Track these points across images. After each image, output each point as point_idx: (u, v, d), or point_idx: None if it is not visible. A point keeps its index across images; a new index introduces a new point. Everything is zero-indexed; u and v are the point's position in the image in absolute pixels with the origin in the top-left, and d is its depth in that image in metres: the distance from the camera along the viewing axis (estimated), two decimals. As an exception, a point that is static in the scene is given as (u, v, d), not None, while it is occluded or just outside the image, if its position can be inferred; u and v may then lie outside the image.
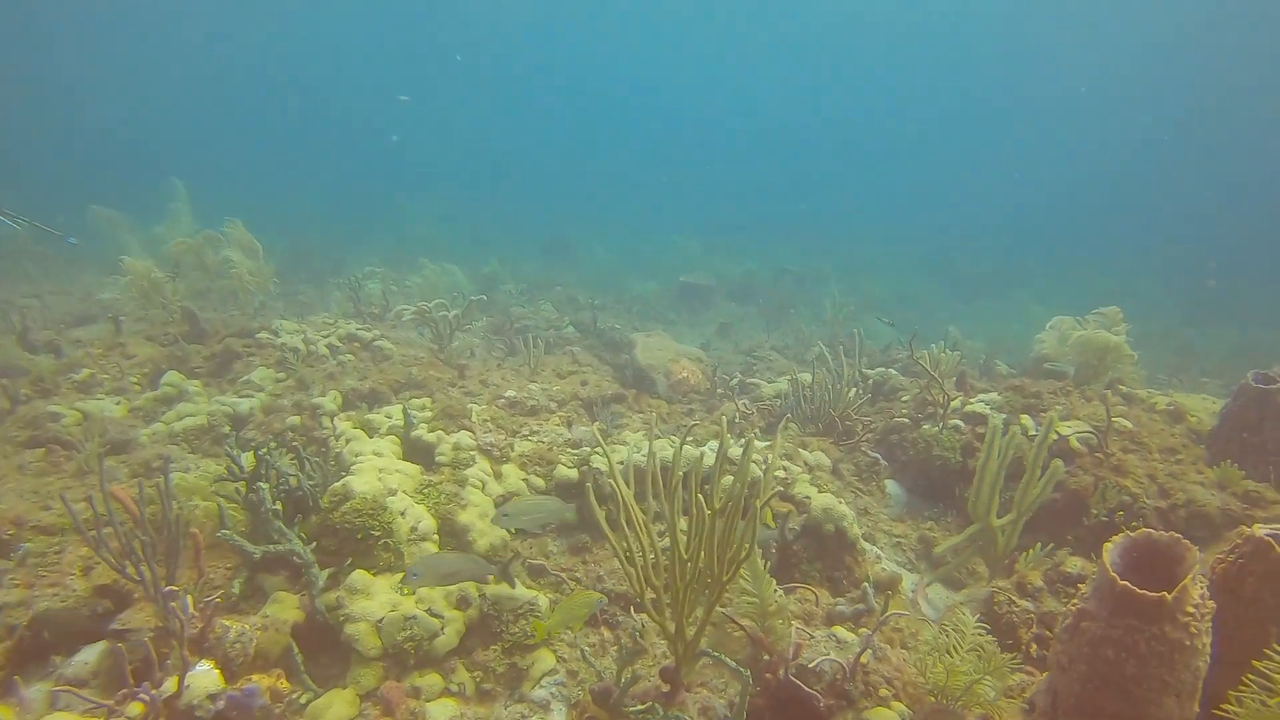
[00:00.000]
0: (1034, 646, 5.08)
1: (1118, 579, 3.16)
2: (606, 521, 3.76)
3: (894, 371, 9.81)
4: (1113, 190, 51.87)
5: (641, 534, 3.65)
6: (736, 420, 7.62)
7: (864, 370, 9.76)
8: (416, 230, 24.01)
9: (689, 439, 6.39)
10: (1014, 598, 5.32)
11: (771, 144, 66.98)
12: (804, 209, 38.59)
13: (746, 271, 19.80)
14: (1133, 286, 24.06)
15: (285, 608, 4.05)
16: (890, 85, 65.75)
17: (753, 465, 5.33)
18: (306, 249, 19.96)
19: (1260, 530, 4.06)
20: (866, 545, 5.86)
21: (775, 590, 4.35)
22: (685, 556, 3.60)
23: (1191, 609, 3.26)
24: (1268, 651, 3.18)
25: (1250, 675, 3.05)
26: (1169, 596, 3.03)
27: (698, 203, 35.86)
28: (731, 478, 4.78)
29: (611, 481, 4.04)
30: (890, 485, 7.24)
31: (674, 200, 36.80)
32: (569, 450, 6.11)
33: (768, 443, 6.35)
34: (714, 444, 6.15)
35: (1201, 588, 3.34)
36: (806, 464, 6.31)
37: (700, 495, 3.46)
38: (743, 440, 6.17)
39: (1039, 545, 5.68)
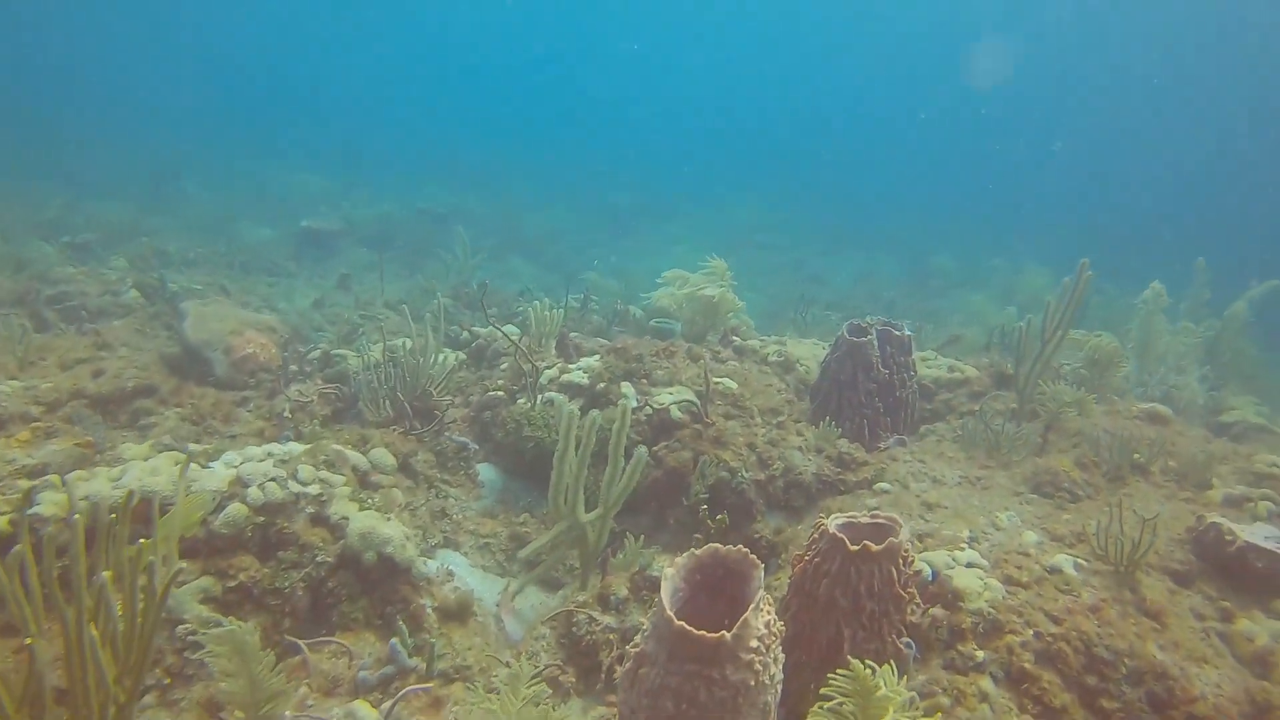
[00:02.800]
0: (617, 670, 4.31)
1: (674, 618, 2.64)
2: None
3: (512, 330, 8.79)
4: (770, 124, 55.08)
5: None
6: (286, 415, 6.10)
7: (474, 330, 8.63)
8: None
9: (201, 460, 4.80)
10: (595, 614, 4.50)
11: (406, 63, 62.41)
12: (455, 141, 36.22)
13: (382, 214, 17.88)
14: (782, 219, 25.42)
15: None
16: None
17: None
18: None
19: (832, 525, 3.59)
20: (432, 564, 4.74)
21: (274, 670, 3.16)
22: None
23: (755, 642, 2.74)
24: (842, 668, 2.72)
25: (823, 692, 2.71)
26: (728, 636, 2.60)
27: (333, 135, 32.25)
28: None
29: None
30: (484, 471, 6.20)
31: (301, 132, 32.82)
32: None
33: (309, 446, 4.97)
34: (233, 455, 4.65)
35: (768, 613, 2.89)
36: (356, 469, 5.02)
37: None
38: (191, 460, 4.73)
39: (632, 539, 4.93)
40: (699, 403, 5.80)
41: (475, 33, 66.51)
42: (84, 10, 51.47)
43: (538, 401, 6.16)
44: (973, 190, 36.00)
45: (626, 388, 6.09)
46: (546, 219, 22.47)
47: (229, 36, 56.93)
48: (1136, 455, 5.53)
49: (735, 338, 7.72)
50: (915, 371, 6.53)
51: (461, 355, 7.84)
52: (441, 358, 6.94)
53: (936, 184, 36.58)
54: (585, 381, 6.18)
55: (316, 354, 7.95)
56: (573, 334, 8.39)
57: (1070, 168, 41.63)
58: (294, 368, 7.50)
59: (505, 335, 6.79)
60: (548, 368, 6.55)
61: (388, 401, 6.18)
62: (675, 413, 5.74)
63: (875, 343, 6.20)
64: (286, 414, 6.03)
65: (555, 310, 7.27)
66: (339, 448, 5.01)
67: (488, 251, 17.39)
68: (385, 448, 5.47)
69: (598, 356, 6.54)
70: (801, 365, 7.49)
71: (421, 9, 65.13)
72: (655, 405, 5.83)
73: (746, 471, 5.36)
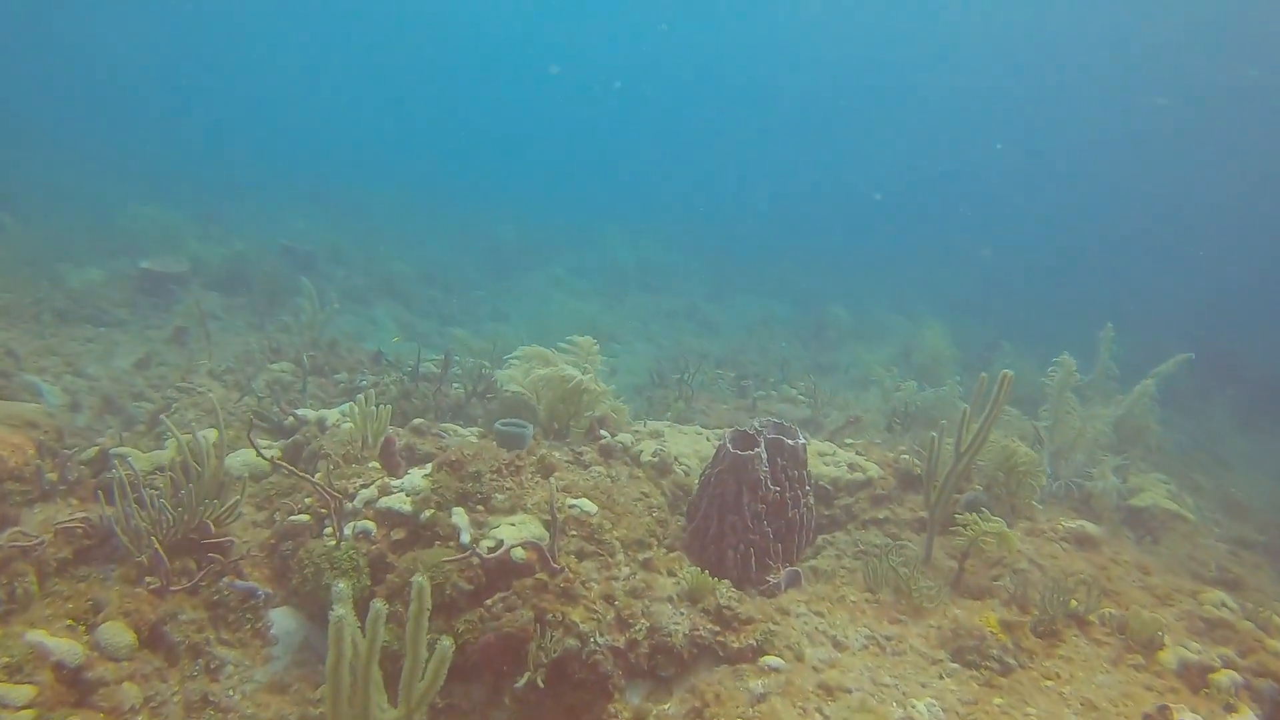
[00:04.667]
0: None
1: None
2: None
3: (348, 410, 7.47)
4: (659, 161, 54.70)
5: None
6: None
7: (298, 413, 7.28)
8: None
9: None
10: None
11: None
12: (326, 171, 34.08)
13: (236, 252, 16.15)
14: (671, 261, 24.56)
15: None
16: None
17: None
18: None
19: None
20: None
21: None
22: None
23: None
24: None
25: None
26: None
27: (188, 161, 29.76)
28: None
29: None
30: (280, 620, 4.90)
31: (152, 156, 30.16)
32: None
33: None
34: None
35: None
36: (61, 667, 3.67)
37: None
38: None
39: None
40: (547, 537, 4.68)
41: (351, 55, 64.25)
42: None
43: (347, 535, 4.90)
44: (867, 235, 36.18)
45: (459, 515, 4.91)
46: (422, 256, 21.03)
47: (84, 39, 53.06)
48: (1073, 602, 4.68)
49: (604, 432, 6.62)
50: (810, 486, 5.56)
51: (275, 452, 6.49)
52: (239, 459, 5.61)
53: (829, 228, 36.67)
54: (408, 509, 4.96)
55: (91, 454, 6.45)
56: (417, 421, 7.16)
57: (978, 212, 42.39)
58: (52, 476, 5.99)
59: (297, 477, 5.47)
60: (365, 486, 5.30)
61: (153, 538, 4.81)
62: (518, 553, 4.58)
63: (764, 456, 5.20)
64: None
65: (382, 407, 6.01)
66: (37, 638, 3.66)
67: (355, 295, 15.97)
68: (124, 618, 4.13)
69: (428, 471, 5.32)
70: (681, 465, 6.45)
71: (294, 29, 62.40)
72: (490, 543, 4.67)
73: (601, 636, 4.25)
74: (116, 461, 6.31)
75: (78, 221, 19.99)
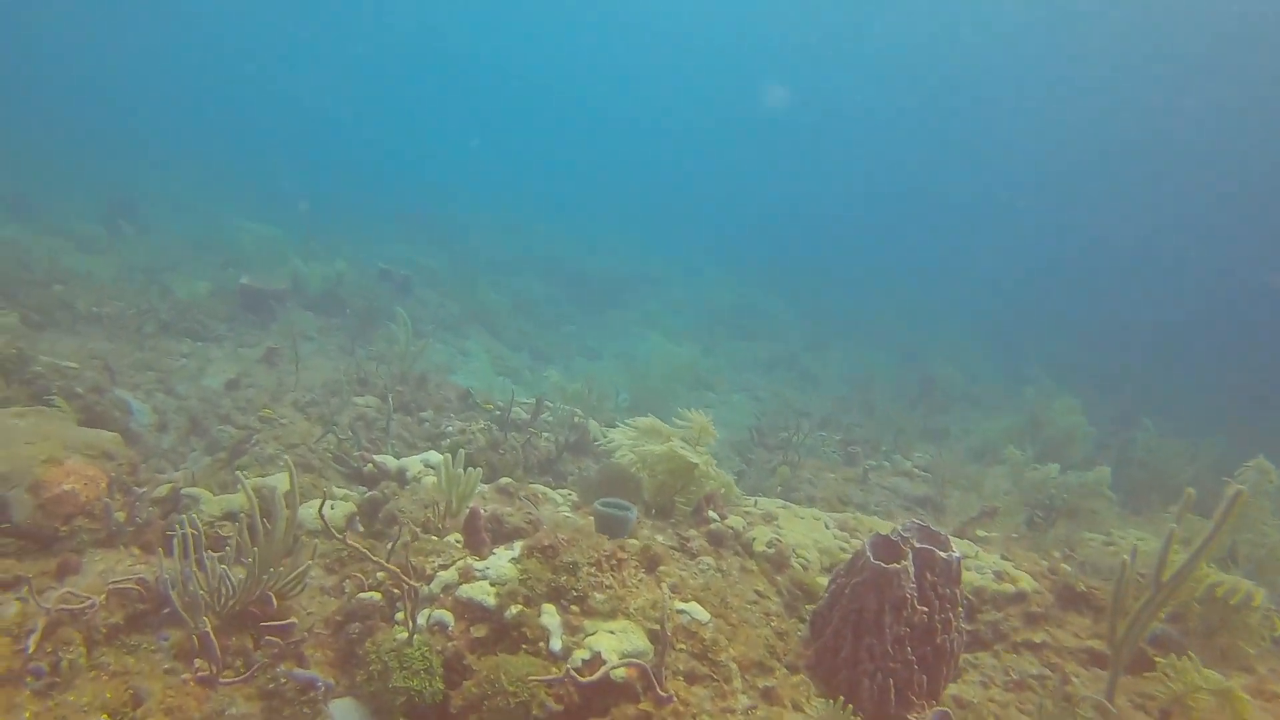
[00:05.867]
0: None
1: None
2: None
3: (432, 460, 6.96)
4: (760, 197, 53.97)
5: None
6: (33, 638, 4.17)
7: (379, 461, 6.80)
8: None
9: None
10: None
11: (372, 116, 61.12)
12: (427, 194, 34.47)
13: (335, 273, 16.12)
14: (767, 302, 23.75)
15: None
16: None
17: None
18: None
19: None
20: None
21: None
22: None
23: None
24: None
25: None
26: None
27: (298, 181, 30.44)
28: None
29: None
30: (341, 715, 4.32)
31: (265, 174, 30.97)
32: None
33: None
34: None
35: None
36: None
37: None
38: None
39: None
40: (653, 653, 4.00)
41: (459, 90, 65.83)
42: (56, 22, 50.20)
43: (421, 625, 4.31)
44: (980, 289, 34.35)
45: (550, 616, 4.26)
46: (515, 285, 20.76)
47: (207, 61, 55.74)
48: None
49: (713, 513, 5.91)
50: (963, 606, 4.72)
51: (350, 506, 5.99)
52: (311, 511, 5.10)
53: (933, 280, 35.04)
54: (492, 602, 4.34)
55: (163, 492, 6.06)
56: (505, 481, 6.58)
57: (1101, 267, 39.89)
58: (120, 516, 5.61)
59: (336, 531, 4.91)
60: (444, 566, 4.71)
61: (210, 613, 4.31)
62: (618, 674, 3.90)
63: (911, 570, 4.40)
64: (32, 639, 4.11)
65: (470, 472, 5.43)
66: None
67: (447, 323, 15.71)
68: (165, 716, 3.60)
69: (516, 555, 4.70)
70: (799, 558, 5.67)
71: (405, 59, 64.35)
72: (585, 654, 4.01)
73: (709, 793, 3.52)
74: (185, 504, 5.93)
75: (192, 233, 20.49)
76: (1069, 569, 5.78)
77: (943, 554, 4.53)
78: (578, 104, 66.84)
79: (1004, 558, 5.94)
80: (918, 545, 4.55)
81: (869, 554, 4.50)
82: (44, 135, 31.02)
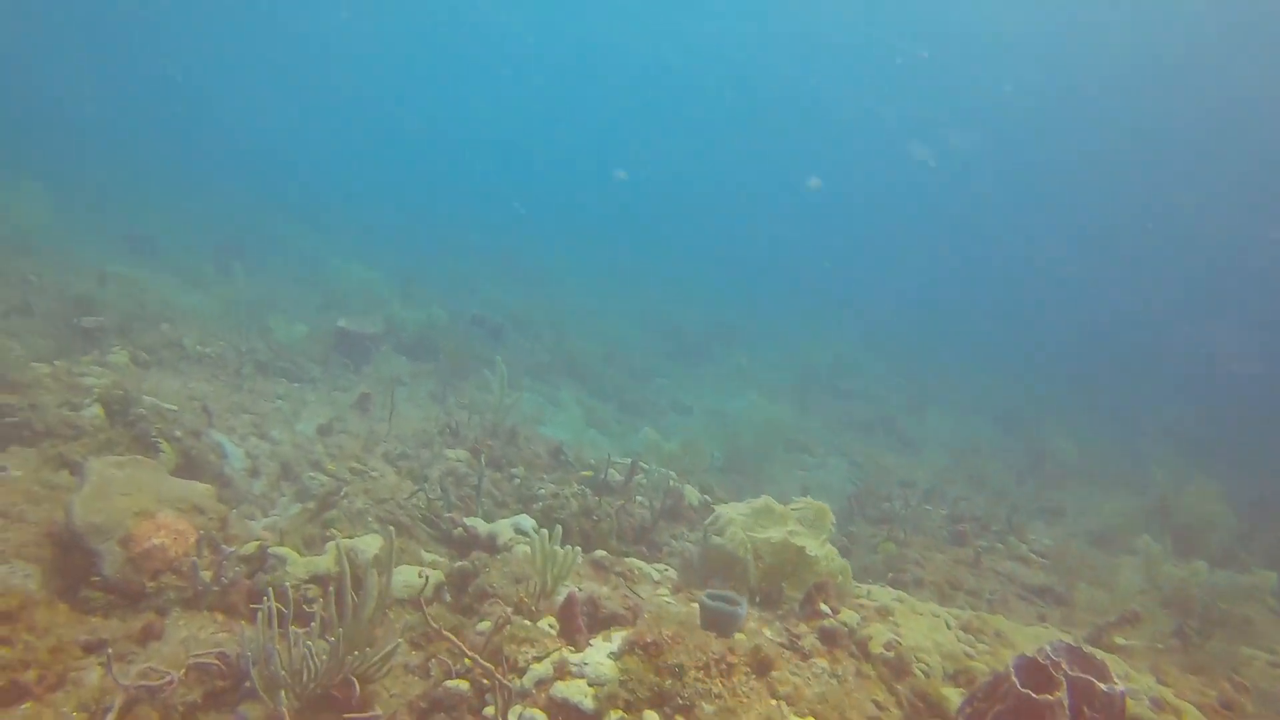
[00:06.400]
0: None
1: None
2: None
3: (523, 525, 6.65)
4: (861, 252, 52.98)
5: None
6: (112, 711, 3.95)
7: (469, 525, 6.52)
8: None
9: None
10: None
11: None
12: (524, 241, 34.86)
13: (429, 318, 16.22)
14: (865, 360, 23.03)
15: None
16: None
17: None
18: None
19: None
20: None
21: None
22: None
23: None
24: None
25: None
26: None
27: (398, 226, 31.18)
28: None
29: None
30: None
31: (368, 217, 31.81)
32: None
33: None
34: None
35: None
36: None
37: None
38: None
39: None
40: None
41: (557, 135, 67.19)
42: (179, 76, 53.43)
43: (512, 728, 3.93)
44: (1084, 348, 32.66)
45: (652, 723, 3.83)
46: (607, 334, 20.61)
47: (320, 105, 58.30)
48: None
49: (825, 606, 5.40)
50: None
51: (439, 575, 5.70)
52: (400, 579, 4.80)
53: (1038, 336, 33.47)
54: (589, 705, 3.94)
55: (250, 550, 5.88)
56: (600, 554, 6.21)
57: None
58: (207, 575, 5.43)
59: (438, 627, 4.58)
60: (538, 659, 4.34)
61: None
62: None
63: (1066, 704, 3.82)
64: (113, 710, 3.89)
65: (567, 551, 5.07)
66: None
67: (538, 372, 15.56)
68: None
69: (616, 649, 4.29)
70: (920, 664, 5.11)
71: (507, 111, 66.15)
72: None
73: None
74: (272, 564, 5.72)
75: (296, 272, 21.06)
76: (1249, 706, 5.02)
77: (1104, 686, 3.94)
78: (679, 156, 67.38)
79: (1159, 681, 5.23)
80: (1074, 674, 3.97)
81: (1014, 677, 3.94)
82: (167, 176, 32.74)
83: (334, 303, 18.25)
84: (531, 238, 35.80)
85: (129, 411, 8.44)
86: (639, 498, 8.63)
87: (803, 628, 5.20)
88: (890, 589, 6.49)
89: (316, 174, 43.91)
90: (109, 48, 51.59)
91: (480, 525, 6.54)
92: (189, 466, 8.30)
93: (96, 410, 8.56)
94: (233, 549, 5.70)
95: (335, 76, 62.50)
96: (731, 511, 6.03)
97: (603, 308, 23.62)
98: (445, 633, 4.05)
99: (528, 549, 6.16)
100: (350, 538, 6.31)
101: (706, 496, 9.27)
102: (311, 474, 9.02)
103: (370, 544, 6.02)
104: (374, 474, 8.37)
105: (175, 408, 8.94)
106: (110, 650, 4.63)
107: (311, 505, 8.00)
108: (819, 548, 5.43)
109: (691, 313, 24.65)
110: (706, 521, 6.47)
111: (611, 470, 9.08)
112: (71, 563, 5.50)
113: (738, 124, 66.01)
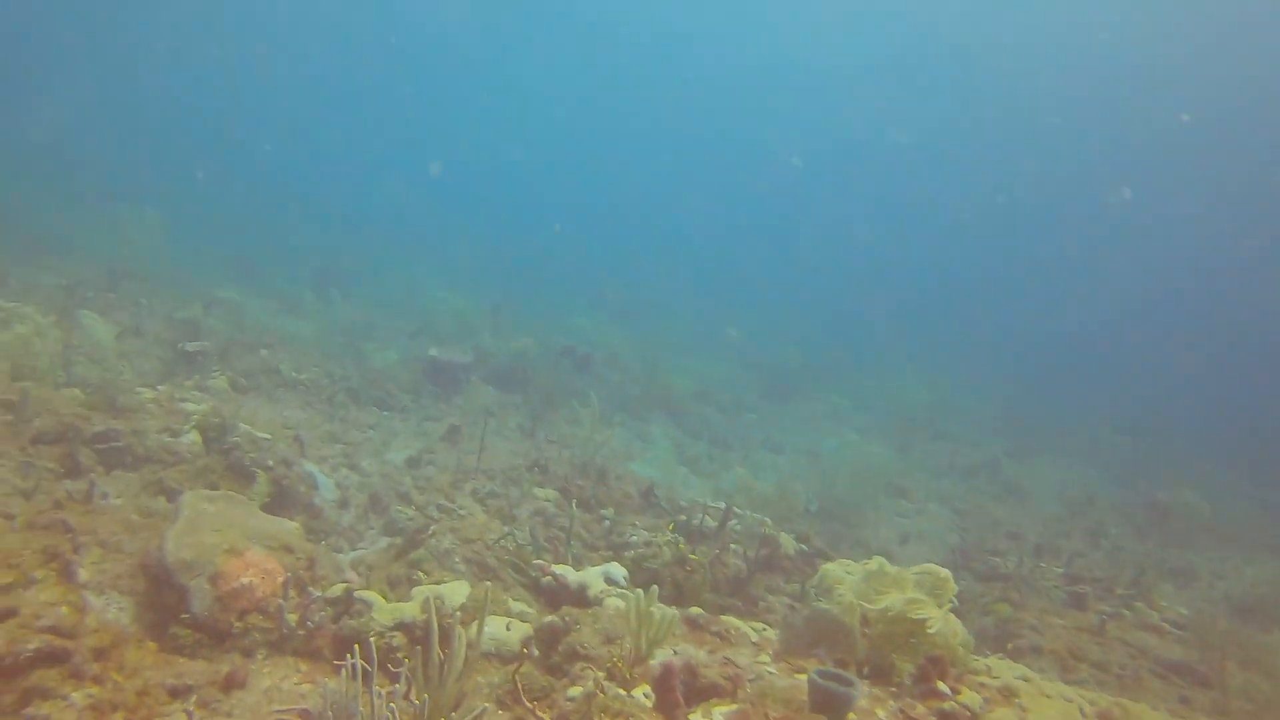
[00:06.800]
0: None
1: None
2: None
3: (613, 574, 6.35)
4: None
5: None
6: None
7: (557, 574, 6.25)
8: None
9: None
10: None
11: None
12: (615, 270, 34.88)
13: (519, 349, 16.19)
14: (964, 402, 22.08)
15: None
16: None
17: None
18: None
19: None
20: None
21: None
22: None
23: None
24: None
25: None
26: None
27: (493, 255, 31.55)
28: None
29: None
30: None
31: (455, 248, 32.30)
32: None
33: None
34: None
35: None
36: None
37: None
38: None
39: None
40: None
41: (658, 170, 67.55)
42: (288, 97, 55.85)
43: (605, 815, 3.60)
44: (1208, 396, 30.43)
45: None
46: (696, 368, 20.27)
47: (418, 136, 60.04)
48: None
49: (942, 684, 4.91)
50: None
51: (527, 627, 5.43)
52: (487, 632, 4.53)
53: (1154, 379, 31.44)
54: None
55: (336, 593, 5.72)
56: (695, 612, 5.84)
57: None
58: (293, 618, 5.28)
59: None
60: (636, 735, 4.00)
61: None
62: None
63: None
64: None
65: (665, 615, 4.72)
66: None
67: (628, 406, 15.33)
68: None
69: (720, 728, 3.92)
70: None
71: (610, 142, 66.92)
72: None
73: None
74: (358, 609, 5.55)
75: (391, 298, 21.44)
76: None
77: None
78: (776, 200, 66.90)
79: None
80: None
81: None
82: (268, 204, 34.07)
83: (427, 329, 18.45)
84: (621, 270, 35.94)
85: (225, 439, 8.50)
86: (733, 545, 8.24)
87: (920, 709, 4.73)
88: (1011, 662, 5.93)
89: (414, 201, 45.16)
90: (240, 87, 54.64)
91: (570, 574, 6.25)
92: (280, 496, 8.30)
93: (194, 437, 8.66)
94: (319, 594, 5.55)
95: (433, 115, 64.78)
96: (839, 571, 5.59)
97: (693, 342, 23.33)
98: (536, 715, 3.75)
99: (620, 603, 5.84)
100: (437, 583, 6.12)
101: (803, 545, 8.81)
102: (399, 507, 8.94)
103: (457, 591, 5.80)
104: (462, 512, 8.20)
105: (269, 436, 8.98)
106: (194, 697, 4.52)
107: (398, 541, 7.88)
108: (943, 622, 4.94)
109: (784, 350, 24.11)
110: (810, 582, 6.05)
111: (705, 516, 8.71)
112: (163, 598, 5.43)
113: (833, 169, 65.46)
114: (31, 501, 6.77)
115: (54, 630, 4.57)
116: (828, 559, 8.89)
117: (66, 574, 5.30)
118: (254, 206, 32.55)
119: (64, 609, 4.79)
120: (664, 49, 63.85)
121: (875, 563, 5.35)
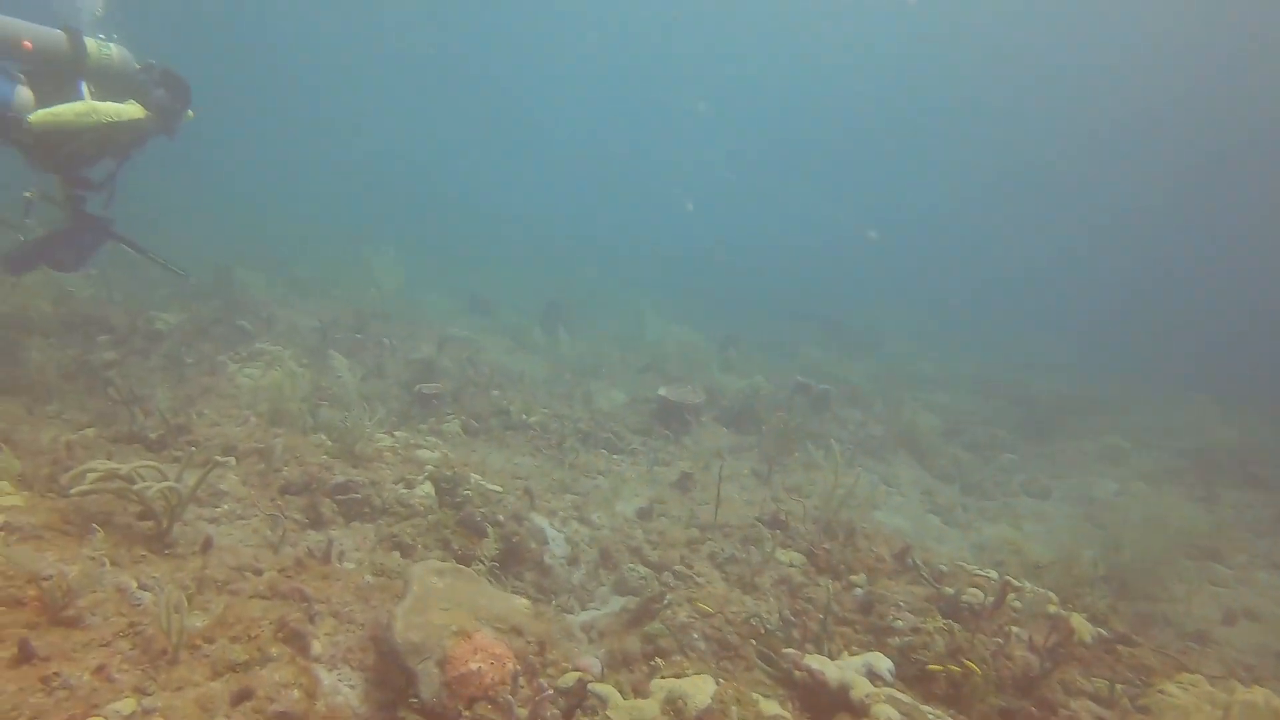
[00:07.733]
0: None
1: None
2: None
3: (882, 671, 5.39)
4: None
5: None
6: None
7: (809, 666, 5.35)
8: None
9: None
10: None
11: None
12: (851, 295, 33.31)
13: (750, 386, 15.42)
14: (1269, 438, 18.70)
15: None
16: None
17: None
18: None
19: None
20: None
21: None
22: None
23: None
24: None
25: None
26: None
27: (716, 289, 31.06)
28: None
29: None
30: None
31: (683, 281, 32.07)
32: None
33: None
34: None
35: None
36: None
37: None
38: None
39: None
40: None
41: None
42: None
43: None
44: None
45: None
46: (943, 402, 18.54)
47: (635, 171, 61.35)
48: None
49: None
50: None
51: (783, 740, 4.59)
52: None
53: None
54: None
55: (568, 683, 5.17)
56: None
57: None
58: (522, 712, 4.77)
59: None
60: None
61: None
62: None
63: None
64: None
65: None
66: None
67: (870, 447, 14.13)
68: None
69: None
70: None
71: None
72: None
73: None
74: (591, 705, 4.96)
75: (620, 333, 21.46)
76: None
77: None
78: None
79: None
80: None
81: None
82: (508, 238, 35.84)
83: (655, 365, 18.17)
84: (854, 297, 34.38)
85: (456, 492, 8.37)
86: (1013, 628, 6.94)
87: None
88: None
89: (644, 236, 46.07)
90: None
91: (829, 669, 5.34)
92: (510, 553, 8.03)
93: (428, 489, 8.60)
94: (550, 689, 5.02)
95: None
96: (1190, 700, 4.31)
97: (937, 376, 21.53)
98: None
99: (893, 712, 4.88)
100: (677, 675, 5.44)
101: (1102, 630, 7.32)
102: (630, 565, 8.42)
103: (701, 689, 5.08)
104: (699, 579, 7.50)
105: (499, 489, 8.77)
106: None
107: (631, 605, 7.32)
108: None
109: (1043, 382, 21.70)
110: (1139, 702, 4.77)
111: (972, 590, 7.46)
112: (391, 676, 5.13)
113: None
114: (278, 555, 6.78)
115: (285, 716, 4.35)
116: (1132, 644, 7.39)
117: (301, 649, 5.14)
118: (488, 245, 34.39)
119: (296, 692, 4.58)
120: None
121: (1260, 696, 4.04)
